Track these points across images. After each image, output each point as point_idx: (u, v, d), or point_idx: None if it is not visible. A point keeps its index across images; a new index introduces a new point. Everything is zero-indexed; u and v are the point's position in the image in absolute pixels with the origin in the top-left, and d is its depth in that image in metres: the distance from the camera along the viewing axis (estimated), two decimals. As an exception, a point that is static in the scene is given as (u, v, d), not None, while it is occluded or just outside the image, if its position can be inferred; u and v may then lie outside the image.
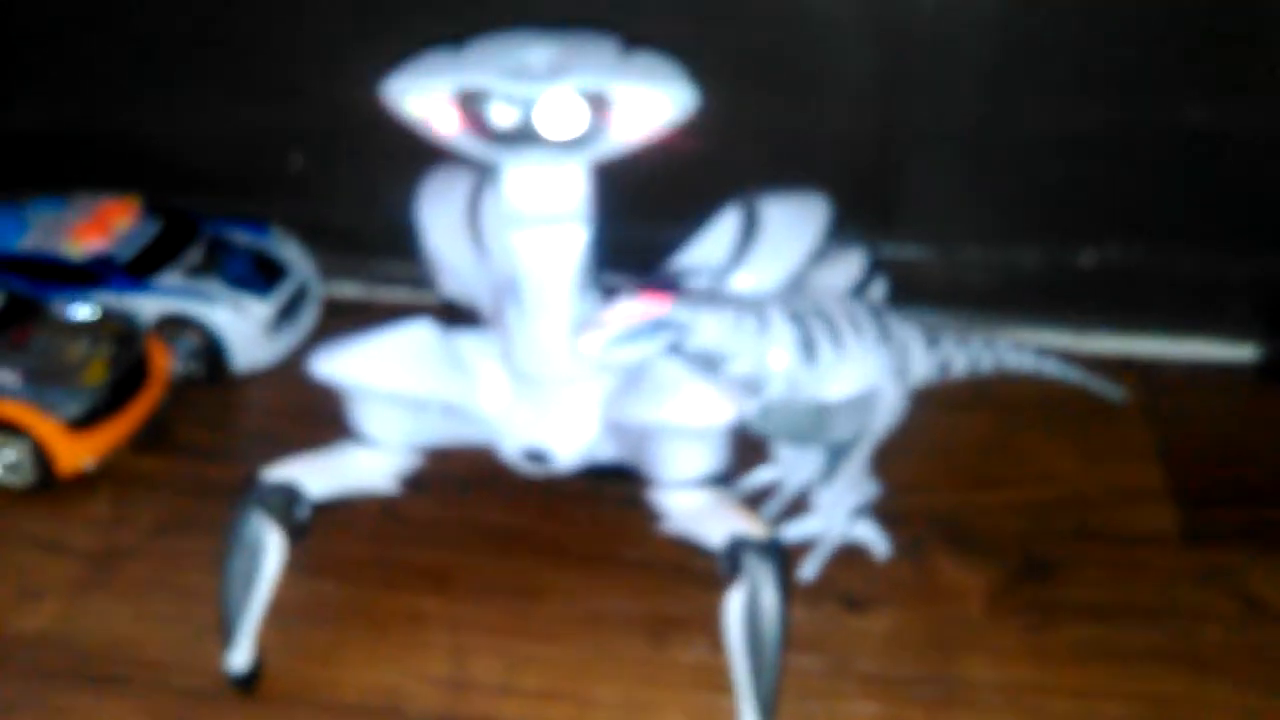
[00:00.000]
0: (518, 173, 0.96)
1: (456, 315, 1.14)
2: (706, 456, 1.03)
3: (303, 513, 1.03)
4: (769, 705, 0.95)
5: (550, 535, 1.19)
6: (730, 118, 1.40)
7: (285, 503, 1.03)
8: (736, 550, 0.95)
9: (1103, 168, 1.38)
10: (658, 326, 0.97)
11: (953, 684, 1.05)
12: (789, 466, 1.18)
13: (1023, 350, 1.17)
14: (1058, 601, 1.12)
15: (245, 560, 1.01)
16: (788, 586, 0.95)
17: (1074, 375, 1.19)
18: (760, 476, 1.20)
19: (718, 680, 1.05)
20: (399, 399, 1.06)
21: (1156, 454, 1.27)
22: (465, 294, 1.15)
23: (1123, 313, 1.44)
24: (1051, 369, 1.18)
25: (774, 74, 1.37)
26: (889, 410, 1.06)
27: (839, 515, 1.12)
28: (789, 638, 0.94)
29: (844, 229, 1.14)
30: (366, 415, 1.07)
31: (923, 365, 1.09)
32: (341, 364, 1.06)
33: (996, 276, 1.44)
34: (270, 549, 1.02)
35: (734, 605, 0.95)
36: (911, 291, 1.22)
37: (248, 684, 1.05)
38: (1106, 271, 1.43)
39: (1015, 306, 1.44)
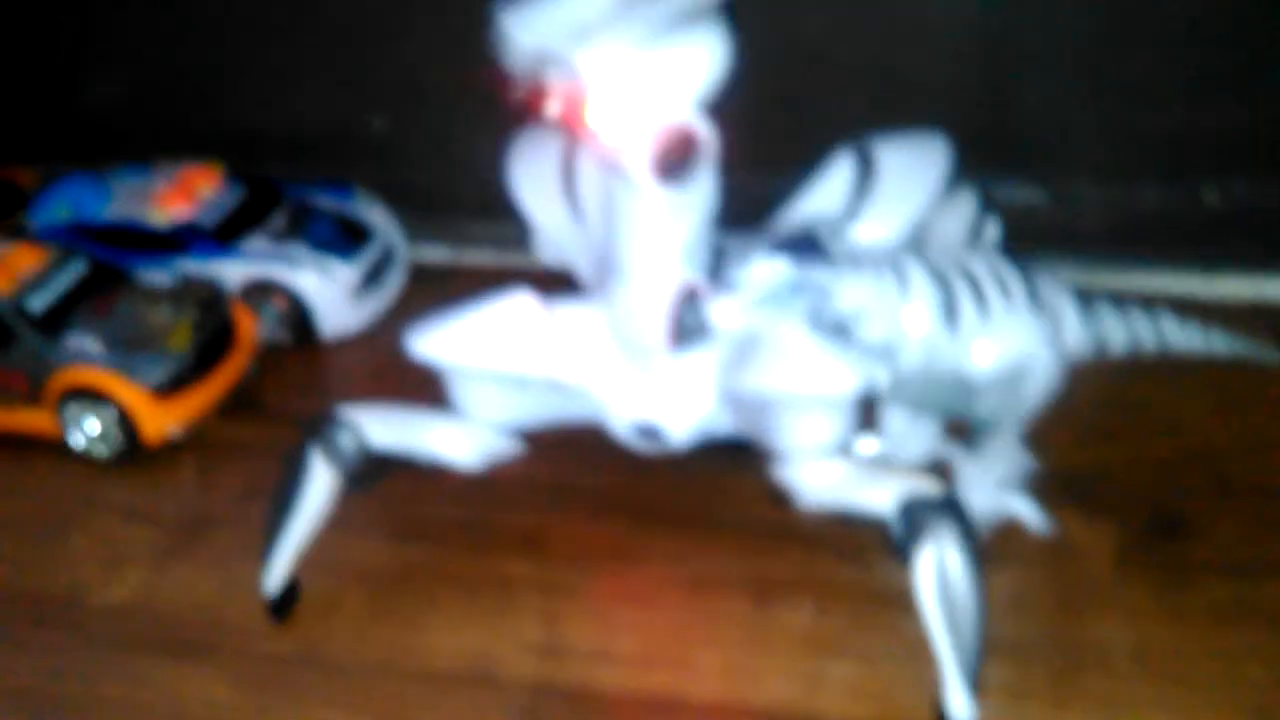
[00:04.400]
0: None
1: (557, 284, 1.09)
2: (834, 425, 0.95)
3: (359, 457, 1.01)
4: (974, 672, 0.87)
5: (645, 497, 1.14)
6: (834, 58, 1.35)
7: (341, 441, 1.00)
8: (915, 512, 0.88)
9: (1226, 99, 1.29)
10: (797, 288, 0.91)
11: (1083, 647, 0.98)
12: (899, 438, 1.10)
13: (1187, 322, 1.05)
14: (1193, 559, 1.04)
15: (290, 487, 1.00)
16: (977, 543, 0.88)
17: (1243, 348, 1.08)
18: (864, 448, 1.12)
19: (824, 645, 1.00)
20: (501, 377, 1.01)
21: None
22: (565, 261, 1.09)
23: (1251, 253, 1.34)
24: (1219, 345, 1.07)
25: (879, 11, 1.30)
26: (1041, 383, 0.96)
27: (986, 491, 1.03)
28: (979, 598, 0.88)
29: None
30: (465, 392, 1.02)
31: (1076, 334, 1.00)
32: (441, 343, 1.01)
33: (1114, 217, 1.36)
34: (316, 480, 1.00)
35: (924, 569, 0.87)
36: (1024, 236, 1.14)
37: (279, 610, 1.04)
38: (1232, 209, 1.33)
39: (1134, 249, 1.35)
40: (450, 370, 1.02)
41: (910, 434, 1.05)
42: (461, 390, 1.02)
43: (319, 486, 1.01)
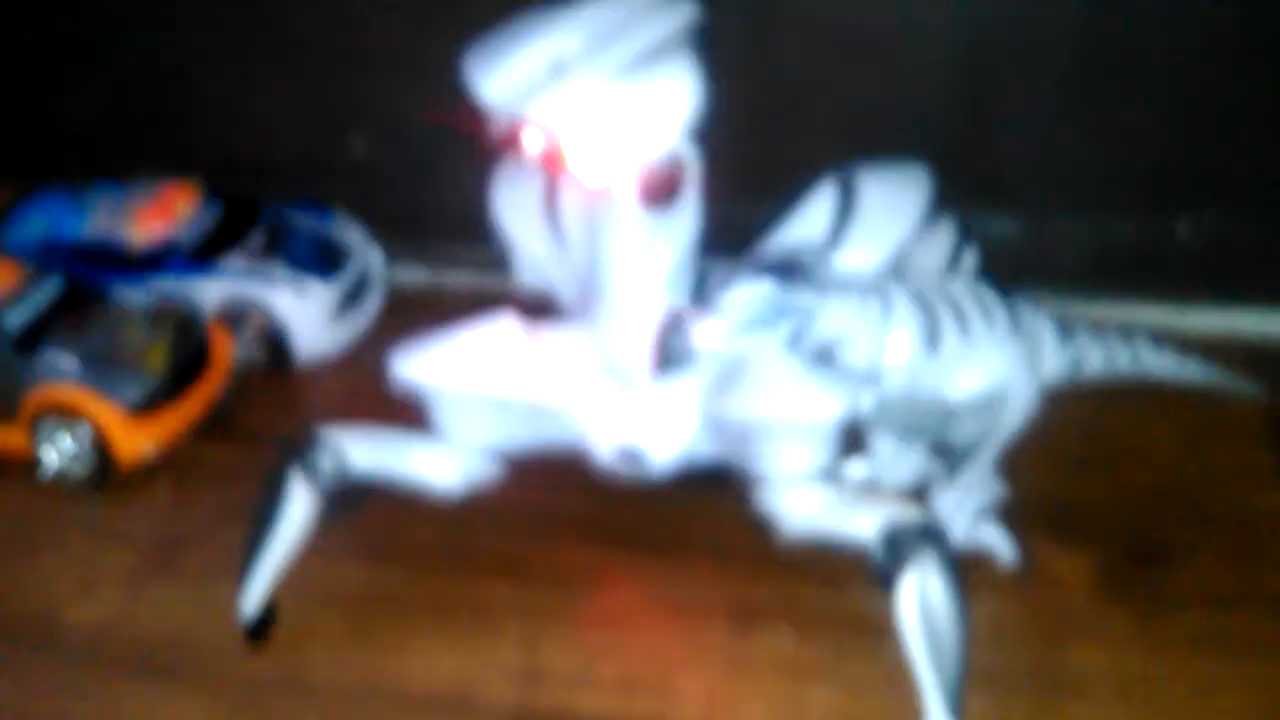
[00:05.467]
0: None
1: (538, 309, 1.09)
2: (815, 452, 0.95)
3: (337, 478, 1.00)
4: (957, 700, 0.87)
5: (627, 522, 1.13)
6: (810, 87, 1.36)
7: (321, 462, 0.99)
8: (897, 539, 0.88)
9: (1199, 131, 1.31)
10: (780, 312, 0.91)
11: (1061, 675, 0.99)
12: (886, 463, 1.10)
13: (1163, 349, 1.07)
14: (1171, 588, 1.05)
15: (269, 508, 1.00)
16: (958, 569, 0.88)
17: (1219, 379, 1.10)
18: (853, 472, 1.13)
19: (804, 671, 1.00)
20: (484, 401, 1.00)
21: (1268, 433, 1.19)
22: (546, 285, 1.09)
23: (1225, 286, 1.36)
24: (1194, 373, 1.08)
25: (854, 40, 1.31)
26: (1019, 409, 0.97)
27: (962, 519, 1.04)
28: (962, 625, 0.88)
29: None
30: (447, 415, 1.01)
31: (1054, 361, 1.01)
32: (424, 366, 1.00)
33: (1089, 250, 1.37)
34: (296, 503, 0.99)
35: (907, 597, 0.87)
36: (1001, 268, 1.15)
37: (256, 634, 1.03)
38: (1206, 242, 1.35)
39: (1110, 282, 1.36)
40: (433, 393, 1.01)
41: (898, 458, 1.06)
42: (444, 413, 1.02)
43: (298, 508, 1.00)
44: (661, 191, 0.89)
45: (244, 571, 1.01)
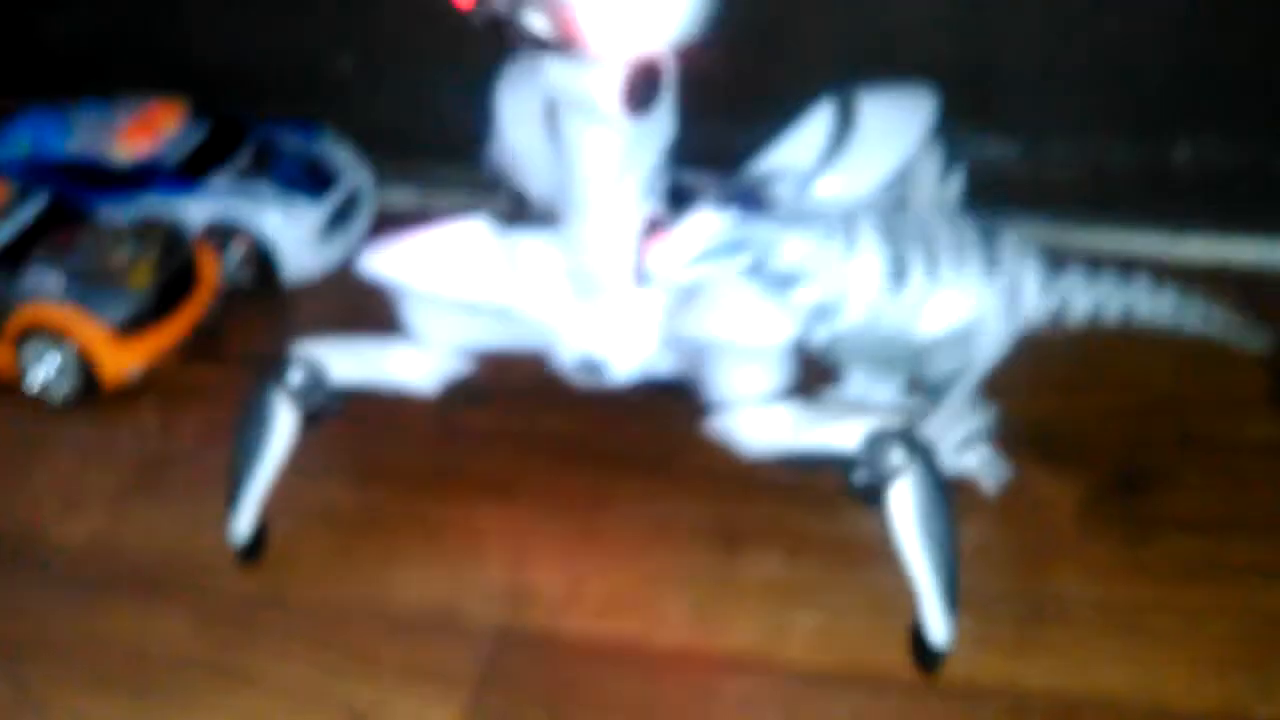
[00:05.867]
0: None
1: (522, 212, 1.08)
2: (771, 374, 0.95)
3: (320, 395, 1.00)
4: (952, 598, 0.89)
5: (613, 445, 1.13)
6: (808, 8, 1.33)
7: (303, 380, 0.99)
8: (880, 446, 0.88)
9: (1198, 57, 1.29)
10: (738, 244, 0.90)
11: (1045, 599, 0.99)
12: (861, 389, 1.10)
13: (1162, 294, 1.02)
14: (1157, 514, 1.05)
15: (253, 430, 1.00)
16: (941, 473, 0.89)
17: (1217, 327, 1.05)
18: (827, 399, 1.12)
19: (791, 594, 1.00)
20: (450, 302, 1.00)
21: (1260, 361, 1.18)
22: (543, 193, 1.08)
23: (1220, 214, 1.34)
24: (1194, 320, 1.03)
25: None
26: (992, 348, 0.96)
27: (944, 450, 1.02)
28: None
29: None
30: (415, 314, 1.02)
31: (1034, 302, 0.98)
32: (392, 262, 1.01)
33: (1084, 174, 1.35)
34: (279, 424, 1.00)
35: (899, 502, 0.88)
36: (995, 191, 1.13)
37: (248, 554, 1.03)
38: (1202, 168, 1.33)
39: (1105, 207, 1.35)
40: (401, 291, 1.01)
41: (871, 390, 1.05)
42: (410, 309, 1.02)
43: (282, 428, 1.00)
44: (643, 93, 0.87)
45: (232, 494, 1.01)
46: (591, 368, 1.00)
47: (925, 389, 1.01)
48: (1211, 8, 1.26)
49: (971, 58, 1.32)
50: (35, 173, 1.35)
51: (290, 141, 1.42)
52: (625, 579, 1.02)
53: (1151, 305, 1.02)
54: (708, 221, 0.91)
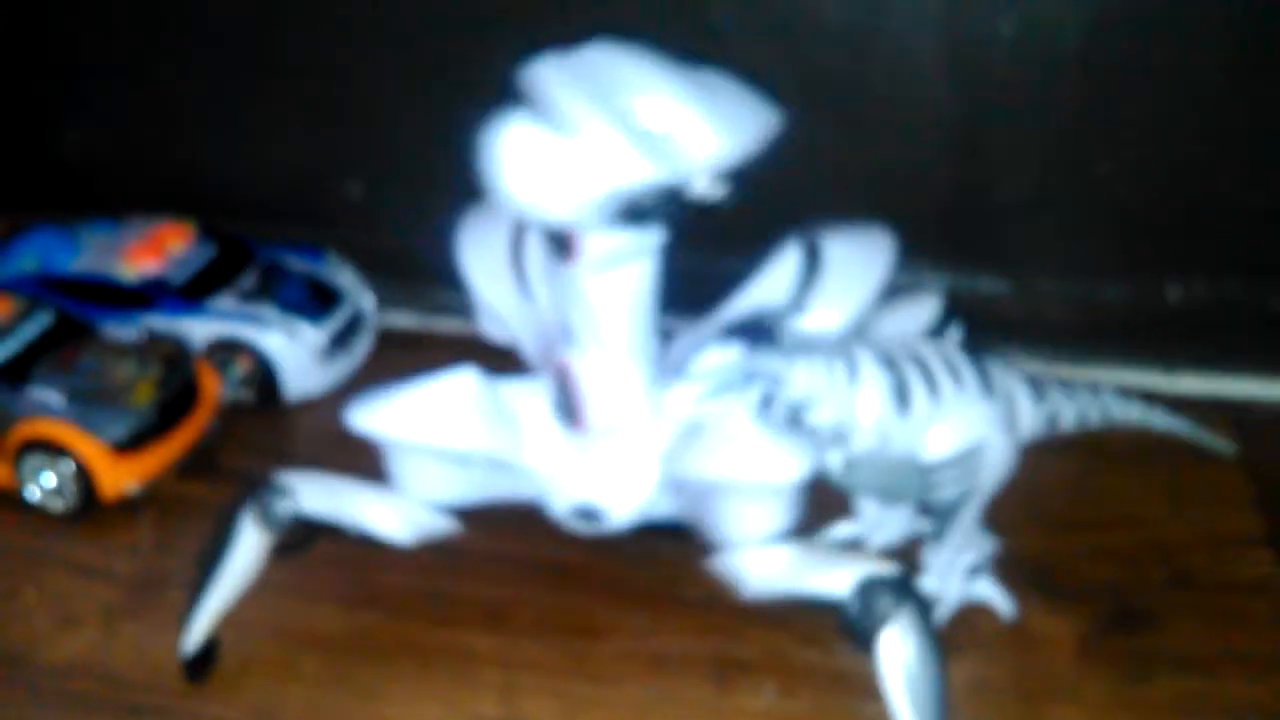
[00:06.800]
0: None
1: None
2: (778, 513, 0.95)
3: (290, 525, 0.99)
4: None
5: (609, 573, 1.13)
6: (804, 147, 1.36)
7: (275, 508, 0.99)
8: (872, 594, 0.88)
9: (1189, 197, 1.32)
10: (749, 377, 0.91)
11: (1041, 736, 0.98)
12: (873, 523, 1.10)
13: (1130, 401, 1.09)
14: (1154, 651, 1.05)
15: (217, 547, 1.00)
16: (935, 623, 0.89)
17: (1183, 428, 1.12)
18: (839, 533, 1.12)
19: (786, 727, 0.99)
20: (441, 453, 0.99)
21: (1252, 499, 1.19)
22: (508, 338, 1.09)
23: (1213, 352, 1.36)
24: (1160, 421, 1.10)
25: (850, 104, 1.32)
26: (998, 466, 0.97)
27: (954, 576, 1.04)
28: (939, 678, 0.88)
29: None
30: (402, 468, 1.01)
31: (1030, 418, 1.02)
32: (381, 417, 0.99)
33: (1077, 312, 1.38)
34: (244, 544, 0.99)
35: (888, 652, 0.87)
36: (989, 328, 1.15)
37: (194, 671, 1.02)
38: (1194, 307, 1.36)
39: (1098, 344, 1.37)
40: (389, 444, 1.00)
41: (885, 519, 1.06)
42: (400, 465, 1.01)
43: (247, 548, 1.00)
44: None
45: (188, 608, 1.01)
46: (588, 515, 0.99)
47: (934, 516, 1.01)
48: (1202, 151, 1.29)
49: (966, 199, 1.35)
50: (42, 289, 1.37)
51: (295, 264, 1.44)
52: (618, 710, 1.01)
53: (1123, 410, 1.08)
54: (716, 358, 0.93)
